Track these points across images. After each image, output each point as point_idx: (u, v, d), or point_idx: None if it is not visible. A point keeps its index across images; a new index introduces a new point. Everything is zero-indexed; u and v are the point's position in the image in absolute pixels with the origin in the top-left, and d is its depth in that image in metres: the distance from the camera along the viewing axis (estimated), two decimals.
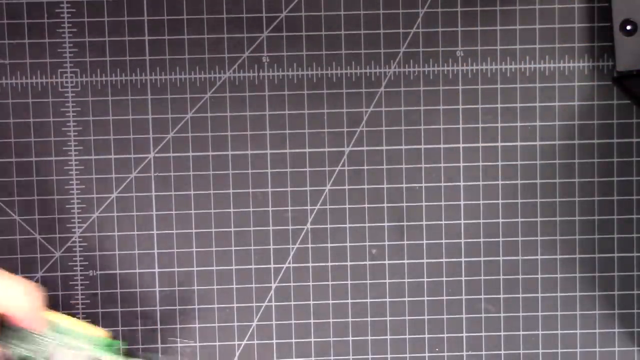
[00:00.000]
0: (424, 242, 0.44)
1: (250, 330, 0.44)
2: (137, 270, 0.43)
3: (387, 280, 0.44)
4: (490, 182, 0.44)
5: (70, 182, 0.43)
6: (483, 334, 0.44)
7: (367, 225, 0.44)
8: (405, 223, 0.44)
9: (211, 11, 0.43)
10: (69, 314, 0.43)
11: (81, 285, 0.43)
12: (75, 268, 0.43)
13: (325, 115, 0.43)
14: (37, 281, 0.43)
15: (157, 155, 0.43)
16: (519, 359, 0.44)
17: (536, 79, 0.43)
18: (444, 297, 0.44)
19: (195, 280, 0.44)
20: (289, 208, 0.44)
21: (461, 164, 0.44)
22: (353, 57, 0.43)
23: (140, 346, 0.44)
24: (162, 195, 0.43)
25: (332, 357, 0.44)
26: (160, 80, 0.43)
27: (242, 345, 0.44)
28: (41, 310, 0.34)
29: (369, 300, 0.44)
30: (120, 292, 0.44)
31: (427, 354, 0.44)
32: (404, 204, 0.44)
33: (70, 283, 0.43)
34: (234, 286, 0.44)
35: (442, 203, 0.44)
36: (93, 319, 0.44)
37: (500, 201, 0.44)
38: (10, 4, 0.42)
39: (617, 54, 0.42)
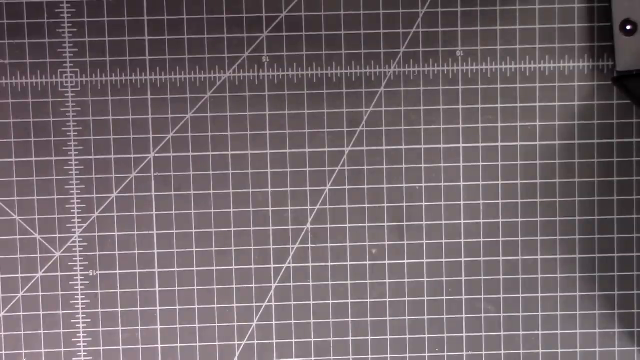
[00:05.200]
0: (424, 242, 0.44)
1: (250, 330, 0.44)
2: (137, 270, 0.43)
3: (387, 280, 0.44)
4: (490, 182, 0.44)
5: (70, 182, 0.43)
6: (483, 334, 0.44)
7: (367, 225, 0.44)
8: (405, 223, 0.44)
9: (211, 11, 0.43)
10: (69, 314, 0.44)
11: (81, 285, 0.44)
12: (75, 268, 0.43)
13: (325, 115, 0.43)
14: (37, 281, 0.43)
15: (157, 155, 0.43)
16: (519, 359, 0.44)
17: (536, 79, 0.43)
18: (444, 297, 0.44)
19: (195, 280, 0.44)
20: (289, 208, 0.44)
21: (461, 164, 0.44)
22: (353, 57, 0.43)
23: (140, 346, 0.44)
24: (162, 195, 0.43)
25: (332, 357, 0.44)
26: (160, 80, 0.43)
27: (242, 345, 0.44)
28: None
29: (369, 300, 0.44)
30: (120, 292, 0.44)
31: (427, 354, 0.44)
32: (404, 204, 0.44)
33: (70, 283, 0.43)
34: (234, 286, 0.44)
35: (442, 203, 0.44)
36: (93, 319, 0.44)
37: (500, 201, 0.44)
38: (10, 4, 0.42)
39: (617, 54, 0.42)
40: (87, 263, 0.43)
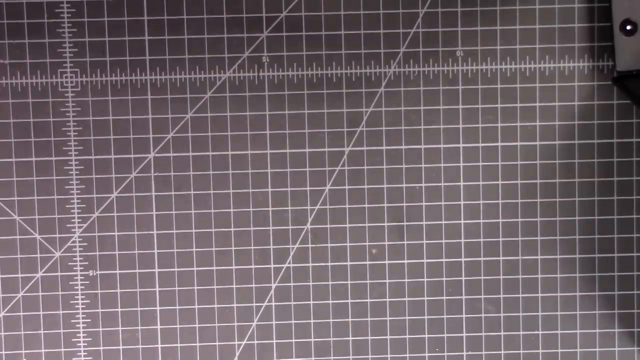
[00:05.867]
0: (424, 242, 0.44)
1: (250, 330, 0.44)
2: (137, 270, 0.43)
3: (387, 280, 0.44)
4: (490, 182, 0.44)
5: (70, 182, 0.43)
6: (483, 334, 0.44)
7: (367, 225, 0.44)
8: (405, 223, 0.44)
9: (211, 11, 0.43)
10: (69, 314, 0.44)
11: (81, 285, 0.44)
12: (75, 268, 0.43)
13: (325, 115, 0.43)
14: (37, 281, 0.43)
15: (157, 155, 0.43)
16: (519, 359, 0.44)
17: (536, 79, 0.43)
18: (444, 297, 0.44)
19: (195, 281, 0.44)
20: (289, 208, 0.44)
21: (461, 164, 0.44)
22: (353, 57, 0.43)
23: (140, 346, 0.44)
24: (162, 195, 0.43)
25: (332, 357, 0.44)
26: (160, 80, 0.43)
27: (242, 345, 0.44)
28: None
29: (369, 300, 0.44)
30: (120, 292, 0.44)
31: (427, 354, 0.44)
32: (404, 204, 0.44)
33: (70, 283, 0.43)
34: (234, 286, 0.44)
35: (442, 203, 0.44)
36: (93, 319, 0.44)
37: (500, 201, 0.44)
38: (10, 4, 0.42)
39: (617, 54, 0.42)
40: (87, 263, 0.43)
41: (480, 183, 0.44)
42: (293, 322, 0.44)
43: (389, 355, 0.44)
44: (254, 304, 0.44)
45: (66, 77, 0.43)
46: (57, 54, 0.43)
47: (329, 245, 0.44)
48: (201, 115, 0.43)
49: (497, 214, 0.44)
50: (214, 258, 0.44)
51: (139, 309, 0.44)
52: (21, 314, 0.43)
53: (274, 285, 0.44)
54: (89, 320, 0.44)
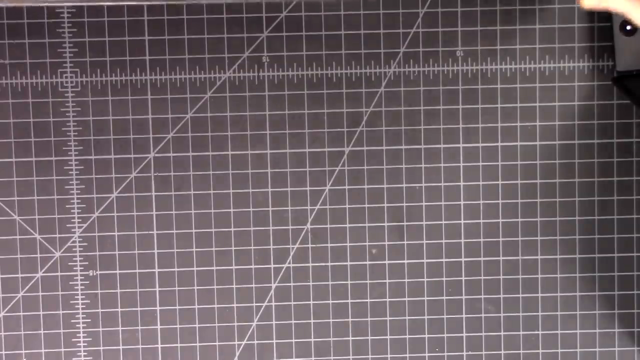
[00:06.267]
0: (424, 242, 0.44)
1: (250, 330, 0.44)
2: (137, 270, 0.43)
3: (387, 280, 0.44)
4: (490, 182, 0.44)
5: (70, 182, 0.43)
6: (483, 334, 0.44)
7: (367, 225, 0.44)
8: (405, 223, 0.44)
9: (211, 11, 0.43)
10: (69, 314, 0.44)
11: (81, 285, 0.44)
12: (75, 268, 0.43)
13: (325, 115, 0.43)
14: (37, 281, 0.43)
15: (157, 155, 0.43)
16: (519, 359, 0.44)
17: (536, 79, 0.43)
18: (444, 297, 0.44)
19: (195, 280, 0.44)
20: (289, 208, 0.44)
21: (461, 164, 0.44)
22: (353, 57, 0.43)
23: (140, 346, 0.44)
24: (162, 195, 0.43)
25: (332, 357, 0.44)
26: (160, 80, 0.43)
27: (242, 345, 0.44)
28: None
29: (369, 300, 0.44)
30: (120, 292, 0.44)
31: (427, 354, 0.44)
32: (404, 204, 0.44)
33: (70, 283, 0.43)
34: (234, 286, 0.44)
35: (442, 203, 0.44)
36: (93, 319, 0.44)
37: (500, 201, 0.44)
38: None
39: (617, 54, 0.42)
40: (87, 263, 0.43)
41: (480, 183, 0.44)
42: (293, 322, 0.44)
43: (389, 355, 0.44)
44: (254, 304, 0.44)
45: (66, 77, 0.43)
46: (57, 54, 0.43)
47: (329, 245, 0.44)
48: (201, 115, 0.43)
49: (497, 214, 0.44)
50: (214, 258, 0.44)
51: (139, 309, 0.44)
52: (21, 314, 0.43)
53: (274, 285, 0.44)
54: (89, 320, 0.44)
